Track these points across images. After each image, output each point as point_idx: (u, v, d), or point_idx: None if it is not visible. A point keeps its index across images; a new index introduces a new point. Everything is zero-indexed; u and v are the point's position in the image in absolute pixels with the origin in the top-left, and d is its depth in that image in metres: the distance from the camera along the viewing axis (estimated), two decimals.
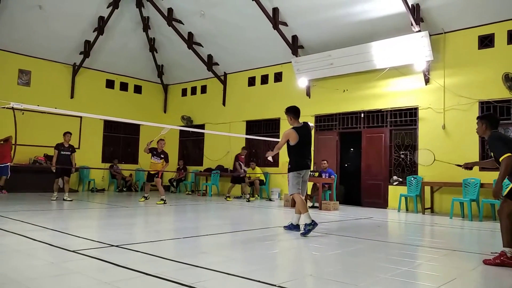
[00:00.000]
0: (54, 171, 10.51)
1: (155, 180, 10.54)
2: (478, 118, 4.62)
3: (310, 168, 6.05)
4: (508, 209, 4.15)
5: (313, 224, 5.53)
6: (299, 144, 5.82)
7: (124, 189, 15.15)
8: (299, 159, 5.85)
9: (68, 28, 13.69)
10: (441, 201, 10.13)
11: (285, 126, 13.45)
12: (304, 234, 5.56)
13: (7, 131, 11.20)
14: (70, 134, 10.73)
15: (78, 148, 14.61)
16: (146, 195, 10.94)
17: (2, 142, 11.49)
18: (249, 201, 12.00)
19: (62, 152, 10.39)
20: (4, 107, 5.73)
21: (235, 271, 3.52)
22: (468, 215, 8.66)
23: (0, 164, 11.31)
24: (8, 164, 11.19)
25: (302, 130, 5.93)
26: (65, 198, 10.28)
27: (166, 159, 10.55)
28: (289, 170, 5.87)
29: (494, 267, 4.01)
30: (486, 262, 4.13)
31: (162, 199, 10.21)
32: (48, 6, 12.63)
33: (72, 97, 14.83)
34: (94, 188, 14.55)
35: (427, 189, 10.12)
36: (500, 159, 4.15)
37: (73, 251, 4.09)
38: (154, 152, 10.43)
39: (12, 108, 5.73)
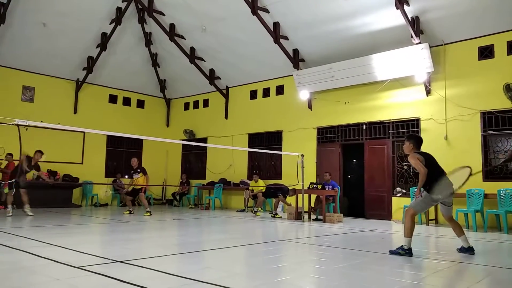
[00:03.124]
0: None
1: (140, 194, 11.45)
2: None
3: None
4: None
5: (407, 252, 5.15)
6: (427, 167, 5.31)
7: None
8: (434, 182, 5.31)
9: (71, 45, 13.86)
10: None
11: (287, 139, 13.53)
12: (392, 252, 5.29)
13: (11, 146, 11.27)
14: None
15: (81, 163, 14.70)
16: (131, 209, 11.38)
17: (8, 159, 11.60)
18: (255, 213, 11.94)
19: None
20: (9, 124, 5.78)
21: (239, 286, 3.51)
22: (473, 226, 8.62)
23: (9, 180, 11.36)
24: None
25: (424, 154, 5.50)
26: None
27: (144, 172, 11.31)
28: (427, 190, 5.36)
29: (503, 281, 3.99)
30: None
31: (148, 211, 11.00)
32: (52, 23, 12.81)
33: (75, 112, 14.94)
34: (97, 202, 14.56)
35: None
36: None
37: (77, 267, 4.09)
38: (132, 171, 11.44)
39: (17, 125, 5.79)
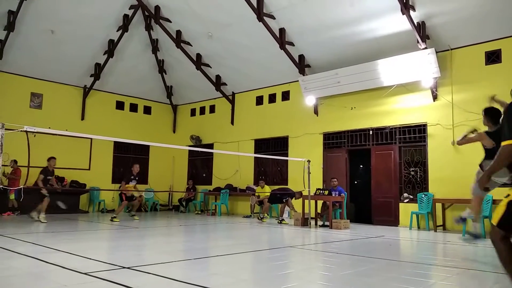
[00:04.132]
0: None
1: (136, 200, 11.85)
2: None
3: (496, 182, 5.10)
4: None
5: (461, 219, 5.66)
6: (491, 150, 5.30)
7: None
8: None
9: (79, 52, 13.99)
10: (453, 218, 10.00)
11: (293, 144, 13.52)
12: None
13: (19, 153, 11.35)
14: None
15: (89, 169, 14.78)
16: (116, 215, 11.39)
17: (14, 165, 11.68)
18: (261, 220, 11.90)
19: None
20: (18, 130, 5.84)
21: None
22: (482, 233, 8.53)
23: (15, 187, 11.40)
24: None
25: (496, 136, 5.19)
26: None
27: (137, 181, 11.90)
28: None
29: None
30: None
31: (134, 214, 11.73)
32: (60, 30, 12.96)
33: (82, 119, 15.05)
34: (104, 208, 14.61)
35: (439, 206, 10.00)
36: (502, 143, 2.72)
37: (85, 274, 4.11)
38: (132, 176, 11.55)
39: (26, 132, 5.85)
